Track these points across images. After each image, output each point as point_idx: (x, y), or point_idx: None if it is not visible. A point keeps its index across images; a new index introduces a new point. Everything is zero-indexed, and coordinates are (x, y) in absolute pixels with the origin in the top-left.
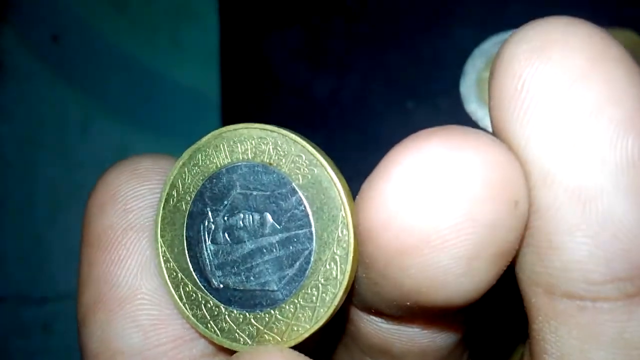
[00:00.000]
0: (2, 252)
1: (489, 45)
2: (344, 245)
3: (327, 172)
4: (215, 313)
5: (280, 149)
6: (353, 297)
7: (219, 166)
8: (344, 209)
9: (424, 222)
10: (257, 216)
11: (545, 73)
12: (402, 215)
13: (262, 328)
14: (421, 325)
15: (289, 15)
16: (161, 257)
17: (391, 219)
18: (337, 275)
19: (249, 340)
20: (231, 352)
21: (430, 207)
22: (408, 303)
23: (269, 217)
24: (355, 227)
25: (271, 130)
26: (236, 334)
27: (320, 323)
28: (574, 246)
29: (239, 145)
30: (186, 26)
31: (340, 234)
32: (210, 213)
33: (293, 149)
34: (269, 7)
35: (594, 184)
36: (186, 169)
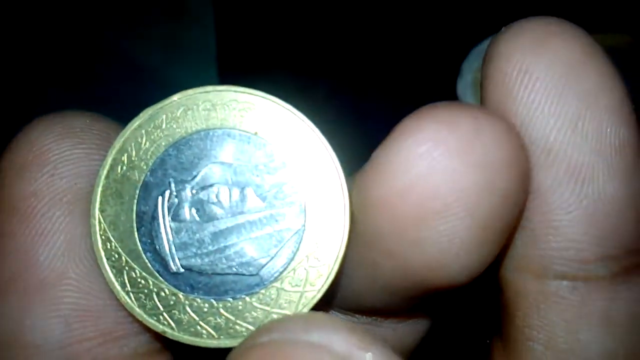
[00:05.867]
0: None
1: (485, 46)
2: (339, 223)
3: (324, 146)
4: (171, 303)
5: (270, 118)
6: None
7: (190, 131)
8: (342, 185)
9: (450, 185)
10: (236, 190)
11: (547, 59)
12: (428, 178)
13: (232, 318)
14: (394, 321)
15: (284, 13)
16: (99, 235)
17: (414, 183)
18: (329, 256)
19: (214, 333)
20: (175, 350)
21: (455, 171)
22: (406, 285)
23: (250, 191)
24: (352, 205)
25: (261, 97)
26: (198, 327)
27: (306, 310)
28: (571, 224)
29: (218, 109)
30: (184, 26)
31: (335, 212)
32: (173, 185)
33: (285, 119)
34: (264, 5)
35: (592, 164)
36: (143, 131)
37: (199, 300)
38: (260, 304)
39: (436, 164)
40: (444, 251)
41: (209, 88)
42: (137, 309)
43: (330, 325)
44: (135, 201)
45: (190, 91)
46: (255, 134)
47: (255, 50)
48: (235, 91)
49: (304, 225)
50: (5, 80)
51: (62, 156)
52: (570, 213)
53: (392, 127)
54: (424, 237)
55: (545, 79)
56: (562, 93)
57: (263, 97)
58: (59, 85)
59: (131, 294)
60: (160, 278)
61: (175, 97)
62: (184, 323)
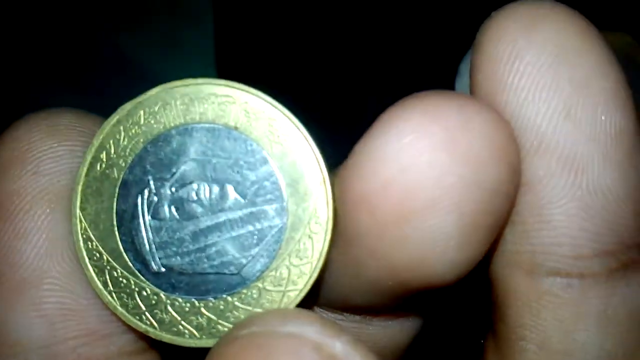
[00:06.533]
0: None
1: None
2: (322, 221)
3: (306, 141)
4: (153, 302)
5: (250, 112)
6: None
7: (168, 127)
8: (324, 181)
9: (434, 180)
10: (215, 188)
11: (539, 42)
12: (411, 172)
13: (214, 318)
14: (384, 319)
15: (283, 13)
16: (80, 235)
17: (396, 177)
18: (312, 254)
19: (196, 333)
20: (162, 349)
21: (440, 165)
22: (390, 283)
23: (231, 189)
24: (335, 202)
25: (240, 89)
26: (180, 326)
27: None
28: (564, 218)
29: (196, 103)
30: (183, 26)
31: (317, 209)
32: (152, 182)
33: (266, 113)
34: (263, 6)
35: (586, 153)
36: (122, 128)
37: (180, 299)
38: (242, 303)
39: (419, 156)
40: (428, 250)
41: (188, 81)
42: (120, 309)
43: (304, 318)
44: (115, 199)
45: (168, 85)
46: (235, 128)
47: (254, 51)
48: (214, 84)
49: (285, 223)
50: (2, 78)
51: (46, 154)
52: (564, 206)
53: None
54: (406, 235)
55: (536, 64)
56: (554, 78)
57: (242, 89)
58: (56, 83)
59: (113, 294)
60: (142, 277)
61: (153, 91)
62: (166, 323)
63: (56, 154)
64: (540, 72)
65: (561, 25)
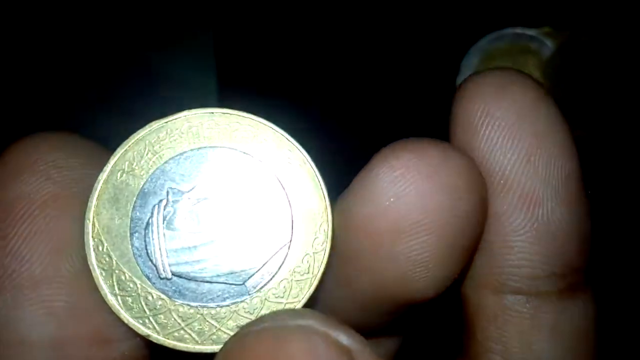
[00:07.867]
0: None
1: (484, 43)
2: (322, 240)
3: (311, 167)
4: (158, 307)
5: (268, 142)
6: None
7: (192, 147)
8: (326, 204)
9: (420, 205)
10: (229, 203)
11: (506, 103)
12: (402, 199)
13: (217, 325)
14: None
15: (282, 14)
16: (91, 237)
17: (391, 202)
18: (311, 270)
19: (198, 339)
20: (164, 356)
21: (424, 193)
22: (380, 299)
23: (243, 206)
24: (333, 224)
25: (262, 124)
26: (182, 332)
27: None
28: (524, 245)
29: (220, 129)
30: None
31: (319, 229)
32: (170, 194)
33: (281, 144)
34: (261, 6)
35: (541, 192)
36: (147, 142)
37: (185, 306)
38: (244, 312)
39: (409, 185)
40: (415, 265)
41: (216, 110)
42: (123, 312)
43: (310, 313)
44: (131, 207)
45: (196, 110)
46: (252, 154)
47: (255, 55)
48: (238, 115)
49: (290, 241)
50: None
51: (56, 163)
52: (523, 235)
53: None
54: (397, 251)
55: (503, 120)
56: (518, 132)
57: (264, 124)
58: (57, 81)
59: (118, 297)
60: (149, 282)
61: (181, 114)
62: (168, 327)
63: (66, 163)
64: (506, 126)
65: (523, 90)
